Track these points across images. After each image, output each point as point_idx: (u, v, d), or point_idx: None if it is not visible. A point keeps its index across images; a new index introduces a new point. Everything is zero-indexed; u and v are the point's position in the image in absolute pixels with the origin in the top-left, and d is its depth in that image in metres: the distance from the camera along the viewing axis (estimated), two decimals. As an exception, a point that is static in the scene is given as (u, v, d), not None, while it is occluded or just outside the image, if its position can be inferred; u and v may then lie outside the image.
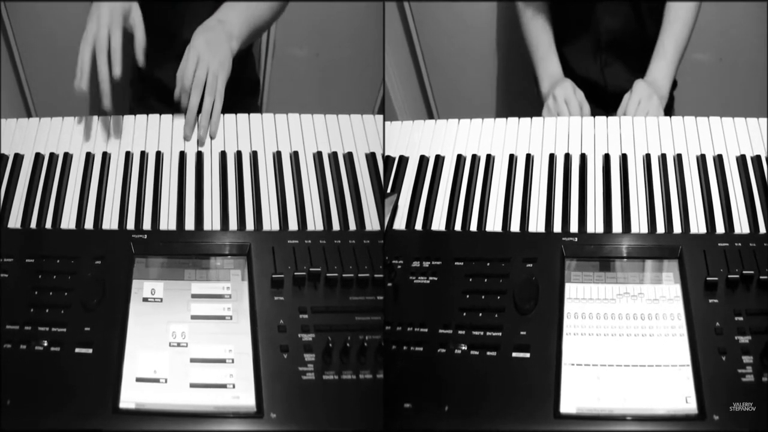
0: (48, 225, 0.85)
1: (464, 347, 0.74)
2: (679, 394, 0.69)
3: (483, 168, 0.95)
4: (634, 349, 0.73)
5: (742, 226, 0.84)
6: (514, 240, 0.84)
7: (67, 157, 0.93)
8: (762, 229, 0.83)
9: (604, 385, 0.71)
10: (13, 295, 0.76)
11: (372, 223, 0.88)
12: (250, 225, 0.86)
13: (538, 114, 1.15)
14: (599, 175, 0.92)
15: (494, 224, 0.88)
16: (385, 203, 0.89)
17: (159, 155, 0.93)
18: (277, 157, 0.94)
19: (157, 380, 0.71)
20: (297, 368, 0.72)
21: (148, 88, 1.16)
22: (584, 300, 0.77)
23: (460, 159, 0.96)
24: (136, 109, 1.09)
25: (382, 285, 0.79)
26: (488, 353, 0.73)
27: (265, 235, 0.83)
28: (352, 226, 0.87)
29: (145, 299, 0.77)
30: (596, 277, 0.79)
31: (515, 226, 0.87)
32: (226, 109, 0.97)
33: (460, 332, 0.75)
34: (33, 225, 0.86)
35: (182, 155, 0.93)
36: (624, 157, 0.93)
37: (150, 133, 0.96)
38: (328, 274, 0.78)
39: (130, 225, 0.85)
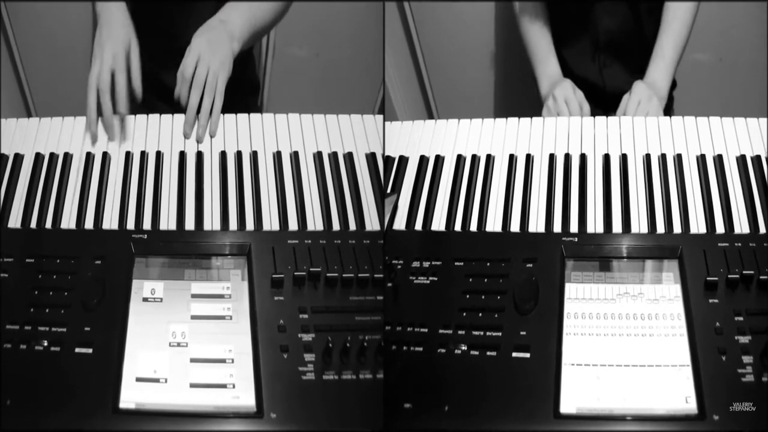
0: (48, 225, 0.85)
1: (464, 347, 0.74)
2: (679, 394, 0.69)
3: (483, 168, 0.95)
4: (634, 349, 0.73)
5: (742, 226, 0.84)
6: (514, 240, 0.84)
7: (67, 157, 0.93)
8: (762, 229, 0.83)
9: (604, 385, 0.71)
10: (13, 295, 0.76)
11: (372, 223, 0.88)
12: (250, 225, 0.86)
13: (538, 114, 1.15)
14: (599, 175, 0.92)
15: (494, 224, 0.88)
16: (385, 203, 0.89)
17: (159, 155, 0.93)
18: (277, 157, 0.94)
19: (157, 380, 0.71)
20: (297, 368, 0.72)
21: (150, 87, 1.16)
22: (584, 300, 0.77)
23: (460, 159, 0.96)
24: (137, 108, 1.08)
25: (382, 285, 0.79)
26: (488, 353, 0.73)
27: (265, 235, 0.83)
28: (352, 226, 0.87)
29: (145, 299, 0.77)
30: (596, 277, 0.79)
31: (515, 226, 0.87)
32: (226, 109, 0.97)
33: (460, 332, 0.75)
34: (33, 225, 0.85)
35: (182, 155, 0.93)
36: (624, 157, 0.93)
37: (150, 133, 0.96)
38: (328, 274, 0.78)
39: (130, 225, 0.85)
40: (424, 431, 0.70)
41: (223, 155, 0.94)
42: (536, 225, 0.87)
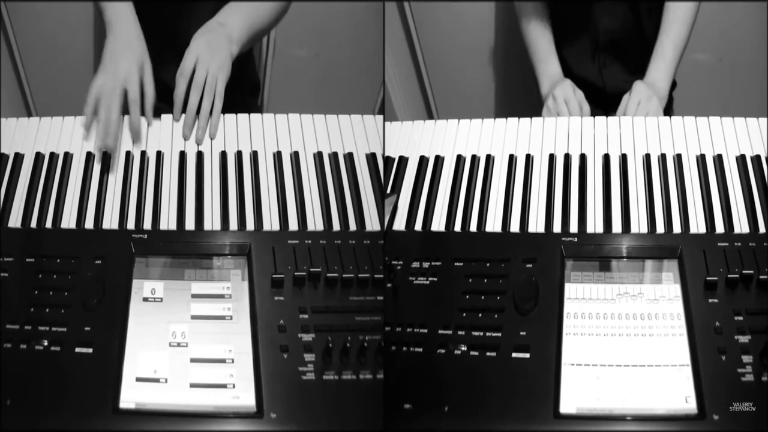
0: (48, 225, 0.85)
1: (464, 348, 0.74)
2: (678, 394, 0.69)
3: (483, 168, 0.95)
4: (633, 349, 0.73)
5: (741, 225, 0.84)
6: (514, 240, 0.84)
7: (67, 157, 0.93)
8: (762, 229, 0.83)
9: (604, 385, 0.71)
10: (13, 295, 0.76)
11: (372, 224, 0.88)
12: (250, 225, 0.86)
13: (538, 114, 1.15)
14: (599, 175, 0.92)
15: (494, 224, 0.88)
16: (385, 203, 0.90)
17: (159, 155, 0.93)
18: (278, 157, 0.94)
19: (157, 380, 0.71)
20: (297, 368, 0.72)
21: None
22: (584, 300, 0.77)
23: (459, 159, 0.96)
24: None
25: (382, 285, 0.79)
26: (488, 353, 0.73)
27: (265, 235, 0.83)
28: (353, 227, 0.87)
29: (145, 299, 0.77)
30: (596, 277, 0.79)
31: (515, 227, 0.88)
32: (226, 109, 0.97)
33: (459, 333, 0.75)
34: (33, 225, 0.86)
35: (182, 155, 0.93)
36: (624, 157, 0.93)
37: (150, 133, 0.96)
38: (328, 274, 0.78)
39: (131, 225, 0.85)
40: (424, 431, 0.70)
41: (223, 155, 0.94)
42: (536, 225, 0.87)
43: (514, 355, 0.73)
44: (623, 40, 1.20)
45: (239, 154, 0.94)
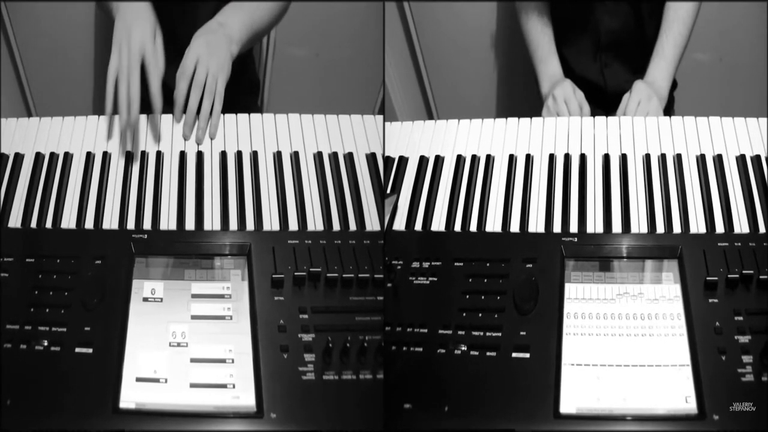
0: (48, 225, 0.85)
1: (464, 347, 0.74)
2: (679, 394, 0.69)
3: (483, 168, 0.95)
4: (633, 349, 0.73)
5: (741, 225, 0.84)
6: (514, 240, 0.84)
7: (67, 157, 0.93)
8: (762, 229, 0.83)
9: (604, 385, 0.71)
10: (13, 295, 0.76)
11: (372, 224, 0.88)
12: (250, 225, 0.86)
13: (538, 114, 1.15)
14: (599, 175, 0.92)
15: (494, 224, 0.88)
16: (385, 203, 0.90)
17: (159, 155, 0.93)
18: (278, 157, 0.94)
19: (157, 380, 0.71)
20: (297, 368, 0.72)
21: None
22: (584, 300, 0.77)
23: (459, 159, 0.96)
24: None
25: (382, 285, 0.79)
26: (488, 353, 0.73)
27: (265, 235, 0.83)
28: (353, 227, 0.87)
29: (145, 299, 0.77)
30: (596, 277, 0.79)
31: (515, 227, 0.88)
32: (226, 109, 0.97)
33: (459, 332, 0.75)
34: (33, 225, 0.86)
35: (182, 155, 0.93)
36: (624, 157, 0.93)
37: (150, 132, 0.96)
38: (328, 274, 0.78)
39: (131, 225, 0.85)
40: (424, 431, 0.70)
41: (223, 155, 0.94)
42: (536, 225, 0.87)
43: (514, 355, 0.73)
44: (625, 40, 1.20)
45: (239, 154, 0.94)
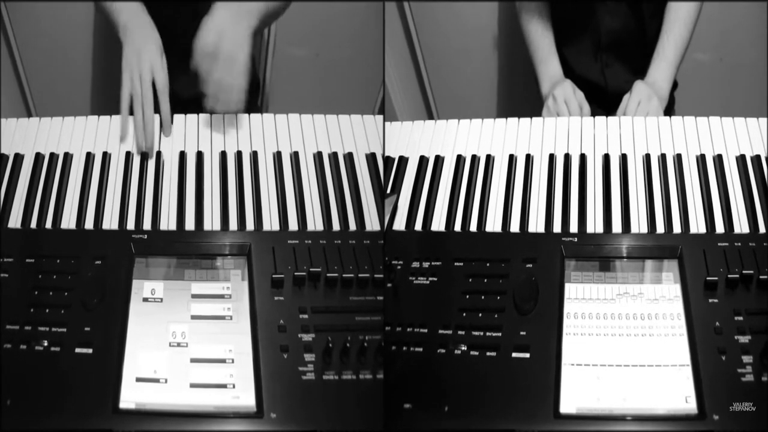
0: (48, 225, 0.85)
1: (464, 347, 0.74)
2: (679, 394, 0.69)
3: (483, 168, 0.95)
4: (633, 349, 0.73)
5: (741, 225, 0.84)
6: (514, 240, 0.84)
7: (67, 157, 0.93)
8: (762, 229, 0.83)
9: (604, 385, 0.71)
10: (13, 295, 0.76)
11: (372, 224, 0.88)
12: (250, 225, 0.86)
13: (538, 114, 1.15)
14: (599, 175, 0.92)
15: (494, 224, 0.88)
16: (385, 203, 0.89)
17: (159, 155, 0.93)
18: (278, 157, 0.94)
19: (157, 380, 0.71)
20: (297, 368, 0.72)
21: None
22: (584, 300, 0.77)
23: (459, 159, 0.96)
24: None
25: (382, 285, 0.79)
26: (488, 353, 0.73)
27: (265, 235, 0.83)
28: (352, 227, 0.87)
29: (145, 299, 0.77)
30: (596, 277, 0.79)
31: (515, 227, 0.88)
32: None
33: (459, 332, 0.75)
34: (33, 225, 0.86)
35: (182, 155, 0.93)
36: (624, 157, 0.93)
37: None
38: (328, 274, 0.78)
39: (130, 225, 0.85)
40: (424, 431, 0.70)
41: (223, 155, 0.94)
42: (536, 225, 0.87)
43: (514, 355, 0.73)
44: (626, 41, 1.20)
45: (239, 154, 0.94)
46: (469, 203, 0.91)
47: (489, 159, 0.95)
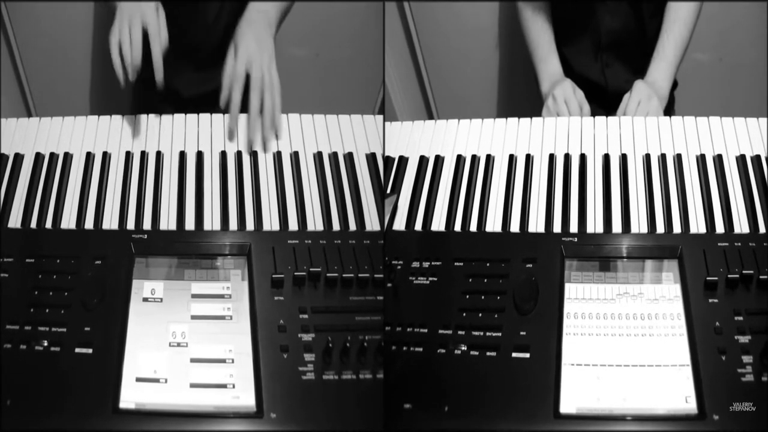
0: (48, 225, 0.85)
1: (464, 347, 0.74)
2: (679, 394, 0.69)
3: (483, 168, 0.95)
4: (634, 349, 0.73)
5: (741, 225, 0.84)
6: (514, 240, 0.84)
7: (67, 157, 0.93)
8: (762, 229, 0.83)
9: (604, 385, 0.71)
10: (13, 295, 0.76)
11: (372, 224, 0.88)
12: (250, 225, 0.86)
13: (538, 114, 1.15)
14: (599, 175, 0.92)
15: (494, 224, 0.88)
16: (385, 203, 0.90)
17: (159, 155, 0.93)
18: (278, 157, 0.94)
19: (157, 380, 0.71)
20: (297, 368, 0.72)
21: (151, 87, 1.16)
22: (584, 300, 0.77)
23: (459, 159, 0.96)
24: (137, 108, 1.08)
25: (382, 285, 0.79)
26: (488, 353, 0.73)
27: (265, 235, 0.83)
28: (352, 227, 0.87)
29: (145, 299, 0.77)
30: (596, 277, 0.79)
31: (515, 227, 0.88)
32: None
33: (459, 332, 0.75)
34: (33, 225, 0.86)
35: (182, 155, 0.93)
36: (624, 157, 0.93)
37: (150, 133, 0.96)
38: (328, 274, 0.78)
39: (130, 225, 0.85)
40: (424, 431, 0.70)
41: (223, 155, 0.94)
42: (536, 225, 0.87)
43: (514, 355, 0.73)
44: (626, 40, 1.20)
45: (239, 155, 0.94)
46: (469, 203, 0.91)
47: (489, 159, 0.95)
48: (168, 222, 0.86)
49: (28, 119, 0.97)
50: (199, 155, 0.94)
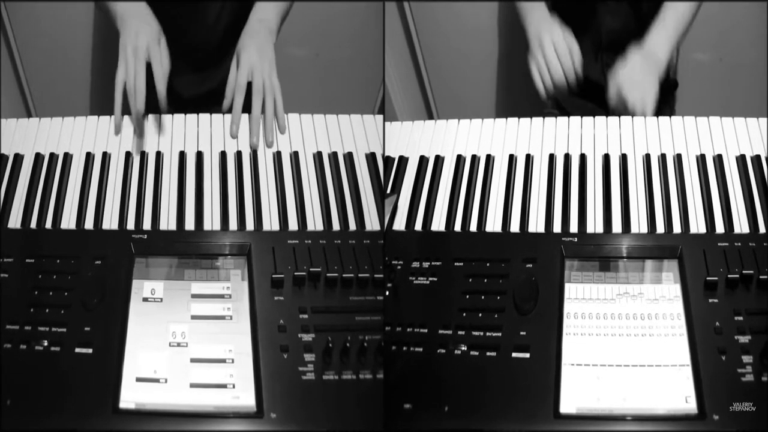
0: (48, 225, 0.85)
1: (464, 347, 0.74)
2: (679, 394, 0.69)
3: (483, 168, 0.95)
4: (634, 349, 0.73)
5: (741, 225, 0.84)
6: (514, 240, 0.84)
7: (67, 157, 0.93)
8: (762, 229, 0.83)
9: (604, 385, 0.71)
10: (13, 295, 0.76)
11: (372, 223, 0.88)
12: (250, 225, 0.86)
13: (538, 114, 1.14)
14: (599, 175, 0.92)
15: (494, 224, 0.88)
16: (385, 203, 0.89)
17: (159, 155, 0.93)
18: (277, 157, 0.94)
19: (157, 380, 0.71)
20: (297, 368, 0.72)
21: (151, 88, 1.16)
22: (584, 300, 0.77)
23: (459, 159, 0.96)
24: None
25: (382, 285, 0.79)
26: (488, 353, 0.73)
27: (265, 235, 0.83)
28: (352, 226, 0.87)
29: (145, 299, 0.77)
30: (596, 277, 0.79)
31: (515, 227, 0.87)
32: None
33: (459, 333, 0.75)
34: (33, 225, 0.86)
35: (182, 155, 0.93)
36: (624, 157, 0.93)
37: (150, 133, 0.96)
38: (328, 274, 0.78)
39: (130, 225, 0.85)
40: (424, 431, 0.70)
41: (223, 155, 0.94)
42: (536, 225, 0.87)
43: (514, 355, 0.73)
44: (626, 40, 1.20)
45: (239, 154, 0.94)
46: (469, 203, 0.91)
47: (489, 159, 0.95)
48: (168, 222, 0.86)
49: (28, 119, 0.97)
50: (199, 155, 0.94)
